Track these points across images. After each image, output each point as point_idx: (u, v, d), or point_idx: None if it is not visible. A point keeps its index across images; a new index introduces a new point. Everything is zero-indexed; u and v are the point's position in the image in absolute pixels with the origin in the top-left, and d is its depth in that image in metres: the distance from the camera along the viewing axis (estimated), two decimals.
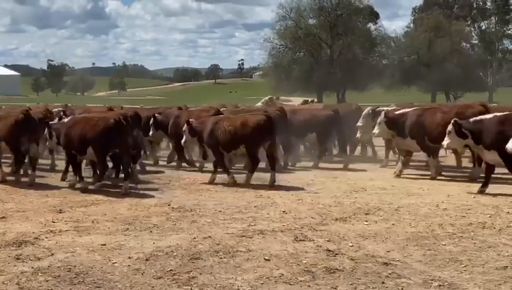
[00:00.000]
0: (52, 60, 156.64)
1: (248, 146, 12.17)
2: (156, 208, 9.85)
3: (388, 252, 7.07)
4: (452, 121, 11.64)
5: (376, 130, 14.21)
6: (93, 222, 8.77)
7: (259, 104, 20.92)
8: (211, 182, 12.45)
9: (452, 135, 11.58)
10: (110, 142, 11.47)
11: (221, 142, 12.39)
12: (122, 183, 11.55)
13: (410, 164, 14.32)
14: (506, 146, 9.89)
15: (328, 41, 70.44)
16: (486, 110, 12.77)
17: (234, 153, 12.63)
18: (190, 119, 13.46)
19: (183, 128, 13.35)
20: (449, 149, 13.26)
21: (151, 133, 15.73)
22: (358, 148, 17.60)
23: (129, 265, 6.59)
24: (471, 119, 11.63)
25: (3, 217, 9.11)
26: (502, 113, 11.48)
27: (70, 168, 12.48)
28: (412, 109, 14.33)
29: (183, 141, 13.49)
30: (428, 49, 69.81)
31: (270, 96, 23.32)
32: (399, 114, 13.88)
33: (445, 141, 11.78)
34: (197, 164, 14.95)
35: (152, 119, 15.85)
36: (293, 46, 71.12)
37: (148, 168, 14.81)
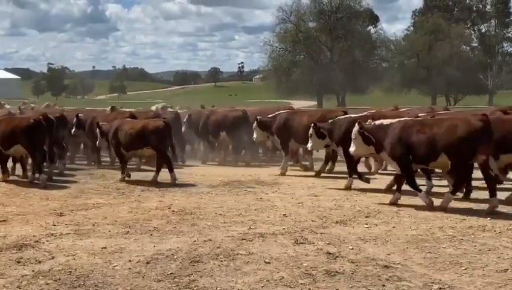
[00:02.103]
0: (52, 64, 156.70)
1: (155, 147, 13.18)
2: (156, 211, 9.86)
3: (388, 255, 7.07)
4: (312, 124, 12.78)
5: (254, 135, 15.37)
6: (93, 225, 8.78)
7: (153, 108, 22.64)
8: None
9: (313, 137, 12.67)
10: (32, 139, 12.78)
11: (122, 143, 13.60)
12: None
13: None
14: (307, 145, 11.69)
15: (328, 44, 70.54)
16: (345, 114, 13.68)
17: (134, 153, 13.82)
18: (102, 122, 14.70)
19: (96, 130, 14.65)
20: (313, 150, 14.13)
21: (73, 131, 16.97)
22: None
23: (130, 268, 6.59)
24: (329, 121, 12.89)
25: (4, 221, 9.12)
26: (356, 115, 12.71)
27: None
28: (282, 112, 15.95)
29: (97, 142, 14.77)
30: (428, 52, 69.89)
31: (164, 104, 24.96)
32: (271, 117, 15.33)
33: (309, 144, 12.93)
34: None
35: (75, 119, 17.03)
36: (293, 49, 71.21)
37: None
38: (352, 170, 12.18)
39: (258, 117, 15.49)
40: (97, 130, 14.53)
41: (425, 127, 9.91)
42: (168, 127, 13.41)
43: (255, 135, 15.41)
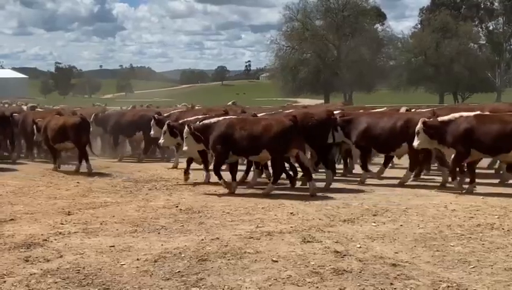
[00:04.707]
0: (59, 63, 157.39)
1: (73, 141, 14.88)
2: (164, 209, 9.88)
3: (396, 253, 7.06)
4: (166, 123, 13.55)
5: (152, 132, 16.05)
6: (101, 223, 8.80)
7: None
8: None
9: (166, 135, 13.29)
10: None
11: (50, 138, 15.30)
12: None
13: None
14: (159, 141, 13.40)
15: (335, 42, 70.33)
16: (226, 113, 14.53)
17: (58, 146, 15.37)
18: (38, 119, 16.31)
19: (33, 126, 16.35)
20: (166, 146, 15.25)
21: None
22: None
23: (137, 267, 6.61)
24: (180, 121, 13.51)
25: (12, 219, 9.16)
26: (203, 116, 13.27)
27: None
28: (177, 111, 17.42)
29: (35, 137, 16.45)
30: (436, 50, 69.53)
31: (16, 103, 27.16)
32: (167, 115, 16.41)
33: (161, 140, 13.64)
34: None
35: (11, 118, 18.35)
36: (300, 47, 71.00)
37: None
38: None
39: (155, 115, 16.40)
40: (34, 126, 16.22)
41: (246, 125, 11.42)
42: (84, 123, 15.12)
43: (152, 131, 16.02)
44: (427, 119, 11.66)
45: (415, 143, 11.67)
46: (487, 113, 12.60)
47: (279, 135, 11.04)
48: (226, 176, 11.75)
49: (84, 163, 14.88)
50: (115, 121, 18.87)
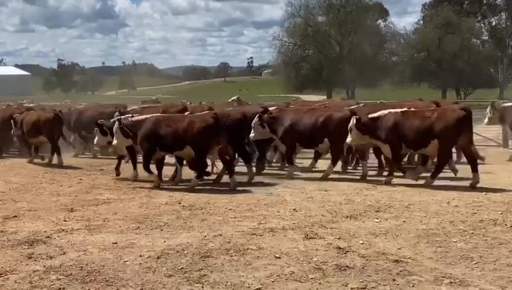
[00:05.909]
0: (62, 60, 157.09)
1: (46, 135, 15.81)
2: (166, 206, 9.89)
3: (399, 249, 7.06)
4: (97, 122, 13.51)
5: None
6: (104, 220, 8.82)
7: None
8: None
9: (98, 133, 13.28)
10: None
11: (25, 132, 16.30)
12: None
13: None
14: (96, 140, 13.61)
15: (338, 38, 70.29)
16: (185, 110, 15.32)
17: (34, 140, 16.28)
18: (15, 115, 17.10)
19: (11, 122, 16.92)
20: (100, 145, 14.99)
21: None
22: None
23: (140, 263, 6.62)
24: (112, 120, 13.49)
25: (15, 216, 9.18)
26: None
27: None
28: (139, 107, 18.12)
29: (12, 131, 16.92)
30: (438, 46, 69.43)
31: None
32: (131, 110, 16.63)
33: (96, 139, 13.66)
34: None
35: None
36: (302, 43, 71.03)
37: None
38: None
39: (120, 109, 16.73)
40: (12, 122, 16.81)
41: (171, 123, 11.95)
42: (57, 119, 15.98)
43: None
44: (358, 117, 12.09)
45: (348, 140, 12.11)
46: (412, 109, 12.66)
47: (201, 132, 11.52)
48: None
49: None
50: (76, 117, 18.97)
